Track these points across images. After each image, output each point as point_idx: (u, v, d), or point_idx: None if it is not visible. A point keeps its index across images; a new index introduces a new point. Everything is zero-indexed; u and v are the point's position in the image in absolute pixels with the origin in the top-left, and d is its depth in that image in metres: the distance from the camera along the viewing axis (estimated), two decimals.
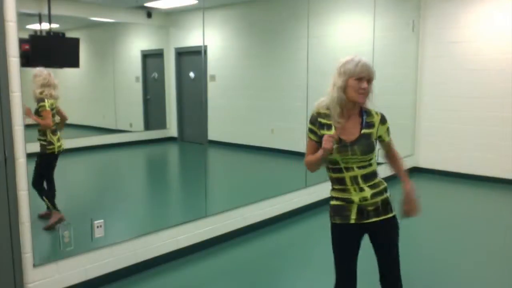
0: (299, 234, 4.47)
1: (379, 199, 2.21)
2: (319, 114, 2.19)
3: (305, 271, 3.55)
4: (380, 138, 2.26)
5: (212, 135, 5.46)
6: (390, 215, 2.24)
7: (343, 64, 2.14)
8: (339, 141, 2.13)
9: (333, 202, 2.24)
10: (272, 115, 6.03)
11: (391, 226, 2.25)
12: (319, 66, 5.52)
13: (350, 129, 2.17)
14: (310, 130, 2.20)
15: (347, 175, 2.17)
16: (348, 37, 6.11)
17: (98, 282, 3.21)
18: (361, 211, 2.18)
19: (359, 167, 2.16)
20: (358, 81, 2.10)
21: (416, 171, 7.00)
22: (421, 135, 7.01)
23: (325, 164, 2.23)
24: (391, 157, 2.36)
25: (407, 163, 6.89)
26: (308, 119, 2.23)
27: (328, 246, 2.29)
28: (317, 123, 2.18)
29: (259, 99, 6.04)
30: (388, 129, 2.28)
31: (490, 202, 5.66)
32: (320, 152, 2.10)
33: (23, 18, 2.95)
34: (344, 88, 2.12)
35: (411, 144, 7.00)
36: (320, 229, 4.60)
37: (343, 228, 2.21)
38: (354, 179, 2.17)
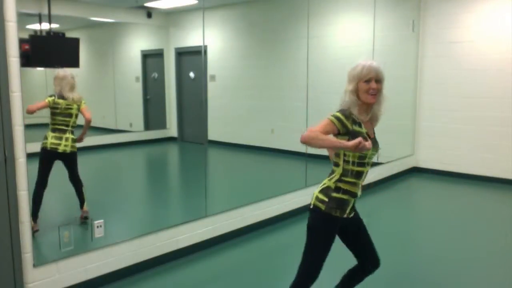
0: (299, 234, 4.45)
1: None
2: (351, 113, 2.23)
3: None
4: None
5: (212, 135, 5.46)
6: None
7: (351, 70, 2.26)
8: (369, 137, 2.25)
9: (337, 195, 2.25)
10: (272, 115, 6.03)
11: (358, 217, 2.44)
12: (319, 66, 5.53)
13: (370, 129, 2.32)
14: (339, 119, 2.16)
15: (365, 169, 2.30)
16: (348, 37, 6.11)
17: (98, 282, 3.21)
18: (352, 206, 2.34)
19: (371, 164, 2.34)
20: (366, 83, 2.21)
21: (416, 171, 7.00)
22: (421, 135, 7.01)
23: (333, 152, 2.31)
24: None
25: (407, 163, 6.90)
26: (338, 110, 2.21)
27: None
28: (351, 118, 2.19)
29: (259, 99, 6.04)
30: None
31: (490, 202, 5.66)
32: (349, 144, 2.00)
33: (23, 18, 2.95)
34: (355, 92, 2.23)
35: (411, 144, 7.00)
36: None
37: (338, 222, 2.29)
38: (366, 174, 2.32)
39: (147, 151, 5.47)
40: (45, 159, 3.61)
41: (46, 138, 3.63)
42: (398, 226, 4.72)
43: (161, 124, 5.59)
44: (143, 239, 3.50)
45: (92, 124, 4.71)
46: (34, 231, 2.96)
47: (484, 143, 6.38)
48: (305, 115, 5.23)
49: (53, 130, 3.64)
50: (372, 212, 5.07)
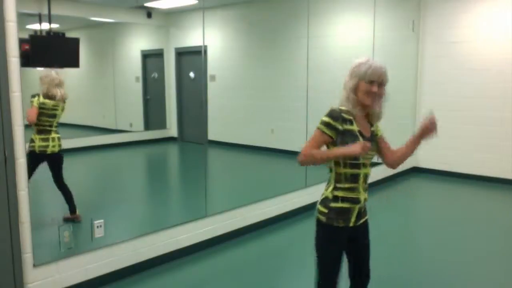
0: (299, 234, 4.47)
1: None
2: (341, 110, 2.13)
3: (305, 271, 3.54)
4: (376, 135, 2.30)
5: (212, 135, 5.46)
6: (367, 216, 2.31)
7: (356, 66, 2.14)
8: (363, 136, 2.13)
9: (336, 204, 2.15)
10: (272, 115, 6.03)
11: (367, 227, 2.32)
12: (319, 66, 5.53)
13: (365, 125, 2.20)
14: (328, 125, 2.08)
15: (362, 172, 2.17)
16: (348, 37, 6.11)
17: (98, 282, 3.21)
18: (359, 214, 2.21)
19: (369, 165, 2.21)
20: (368, 84, 2.10)
21: (416, 171, 7.00)
22: None
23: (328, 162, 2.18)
24: (389, 149, 2.39)
25: (407, 163, 6.90)
26: (327, 113, 2.11)
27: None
28: (340, 118, 2.09)
29: (259, 99, 6.04)
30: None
31: (490, 202, 5.66)
32: (345, 151, 2.02)
33: (23, 18, 2.95)
34: (354, 90, 2.12)
35: None
36: None
37: (344, 231, 2.16)
38: (364, 177, 2.19)
39: (147, 151, 5.48)
40: (33, 162, 3.47)
41: (33, 141, 3.53)
42: (397, 226, 4.72)
43: (161, 124, 5.59)
44: (143, 239, 3.50)
45: (92, 124, 4.72)
46: None
47: (484, 143, 6.38)
48: (305, 115, 5.23)
49: (39, 132, 3.56)
50: (371, 212, 5.07)
